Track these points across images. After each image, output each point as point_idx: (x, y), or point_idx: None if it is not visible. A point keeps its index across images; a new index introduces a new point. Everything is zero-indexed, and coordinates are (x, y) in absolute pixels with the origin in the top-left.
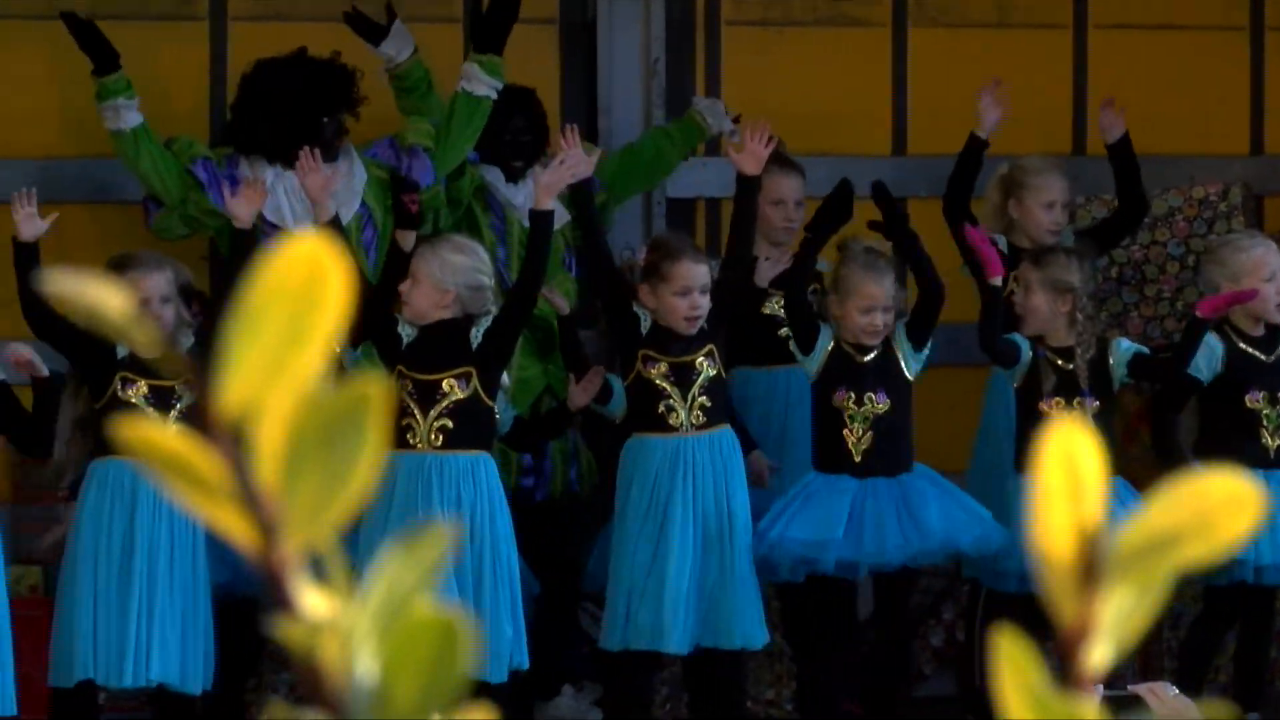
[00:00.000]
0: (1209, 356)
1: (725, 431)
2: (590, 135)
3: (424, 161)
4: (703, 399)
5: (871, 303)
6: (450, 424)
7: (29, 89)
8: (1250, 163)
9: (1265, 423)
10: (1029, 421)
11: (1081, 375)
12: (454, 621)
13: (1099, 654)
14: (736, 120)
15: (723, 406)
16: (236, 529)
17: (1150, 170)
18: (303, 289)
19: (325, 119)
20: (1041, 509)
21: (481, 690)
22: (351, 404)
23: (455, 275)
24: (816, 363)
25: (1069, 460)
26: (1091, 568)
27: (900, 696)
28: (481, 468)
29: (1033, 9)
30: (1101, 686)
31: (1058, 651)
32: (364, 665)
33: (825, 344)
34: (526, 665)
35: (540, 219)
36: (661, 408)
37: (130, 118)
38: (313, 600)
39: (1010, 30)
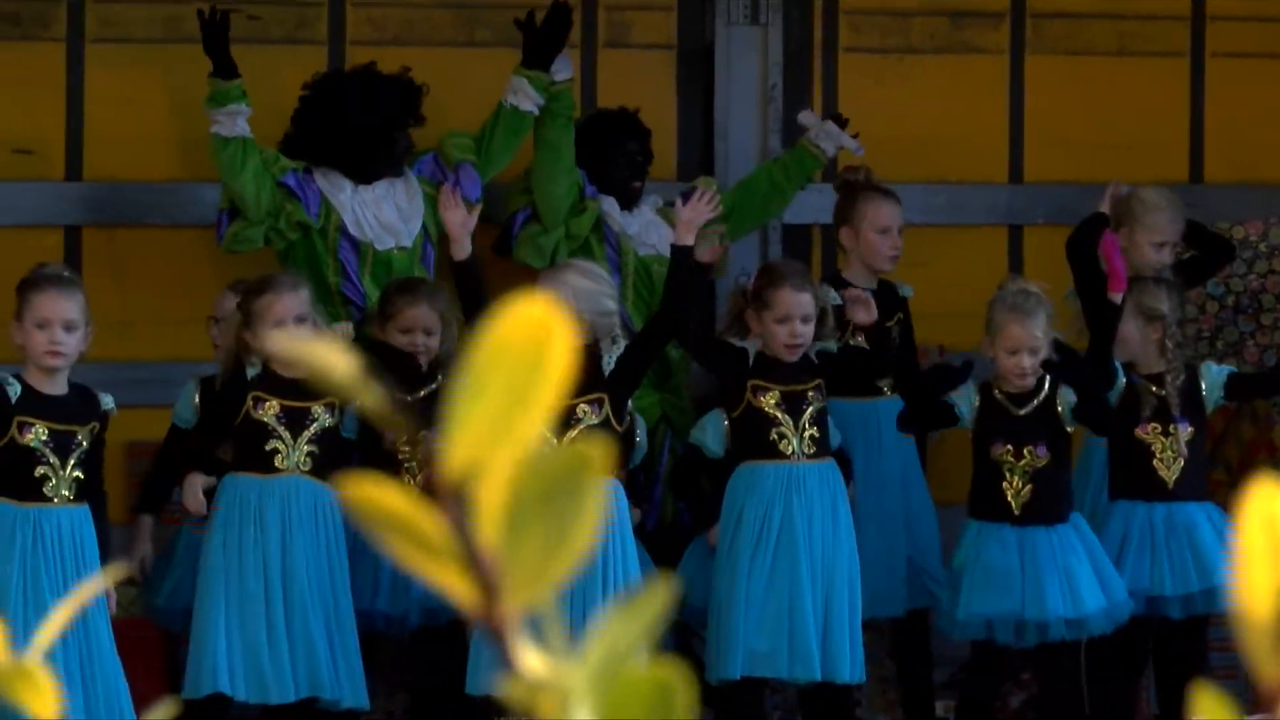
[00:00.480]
0: None
1: (832, 463)
2: (706, 161)
3: (471, 175)
4: (813, 430)
5: (1018, 345)
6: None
7: (144, 110)
8: None
9: None
10: (1125, 447)
11: (1173, 401)
12: (671, 680)
13: None
14: (856, 136)
15: (828, 439)
16: (458, 588)
17: (1266, 199)
18: (526, 351)
19: (398, 134)
20: (1241, 569)
21: None
22: (572, 465)
23: (586, 302)
24: (967, 420)
25: (1270, 521)
26: None
27: None
28: (614, 492)
29: (1151, 37)
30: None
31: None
32: None
33: (971, 399)
34: None
35: (681, 253)
36: (773, 435)
37: (241, 126)
38: (532, 659)
39: (1128, 58)
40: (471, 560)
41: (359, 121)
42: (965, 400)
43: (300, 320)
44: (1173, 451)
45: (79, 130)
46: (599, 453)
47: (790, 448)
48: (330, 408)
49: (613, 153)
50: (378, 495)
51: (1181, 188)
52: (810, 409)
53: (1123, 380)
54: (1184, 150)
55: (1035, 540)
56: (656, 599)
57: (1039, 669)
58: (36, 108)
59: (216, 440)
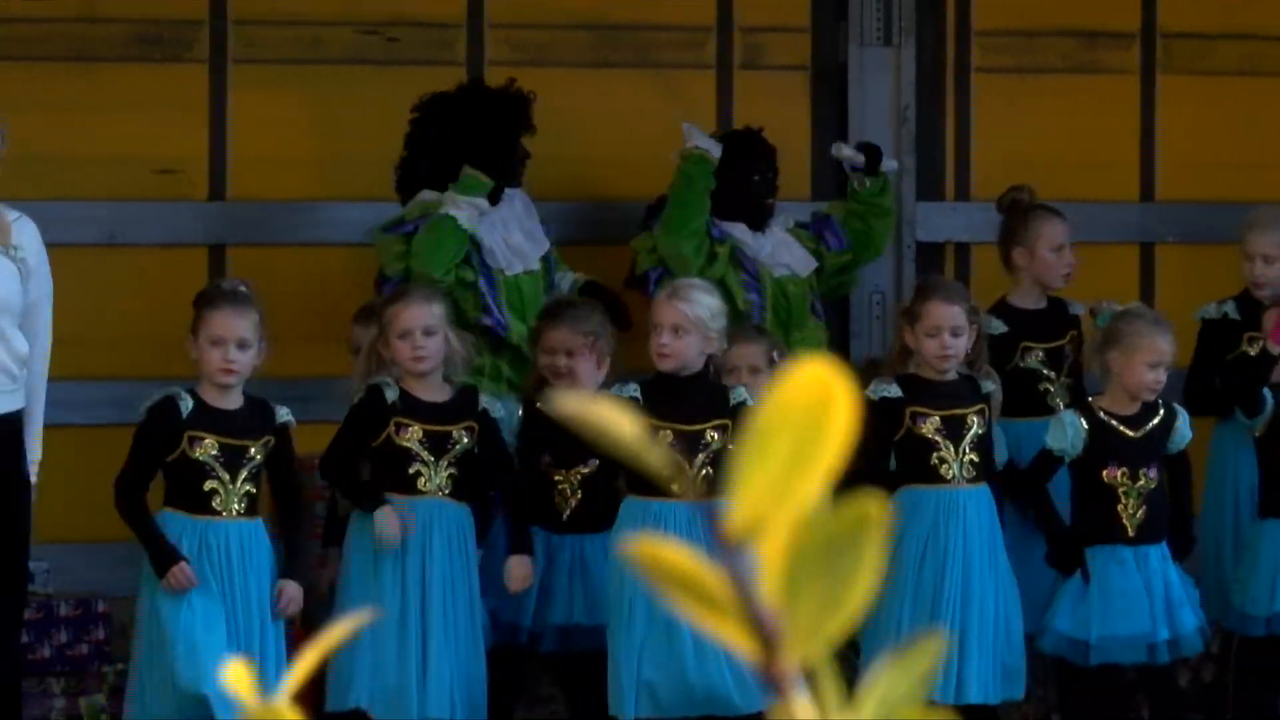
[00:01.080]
0: None
1: (987, 489)
2: (840, 181)
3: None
4: (972, 455)
5: (1158, 358)
6: (711, 472)
7: (286, 131)
8: None
9: None
10: (1276, 469)
11: None
12: None
13: None
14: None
15: (987, 464)
16: (739, 641)
17: None
18: (810, 414)
19: (512, 144)
20: None
21: None
22: (852, 523)
23: (719, 320)
24: (1079, 446)
25: None
26: None
27: None
28: None
29: (1278, 57)
30: None
31: None
32: None
33: (1076, 424)
34: None
35: None
36: (934, 459)
37: (473, 221)
38: (809, 711)
39: (1258, 78)
40: (753, 615)
41: (476, 137)
42: (1072, 428)
43: (428, 333)
44: None
45: (222, 150)
46: (879, 511)
47: (950, 472)
48: (469, 430)
49: (743, 174)
50: (663, 553)
51: None
52: (970, 433)
53: (1270, 404)
54: None
55: (1149, 560)
56: (929, 649)
57: (1153, 688)
58: (180, 129)
59: (359, 462)
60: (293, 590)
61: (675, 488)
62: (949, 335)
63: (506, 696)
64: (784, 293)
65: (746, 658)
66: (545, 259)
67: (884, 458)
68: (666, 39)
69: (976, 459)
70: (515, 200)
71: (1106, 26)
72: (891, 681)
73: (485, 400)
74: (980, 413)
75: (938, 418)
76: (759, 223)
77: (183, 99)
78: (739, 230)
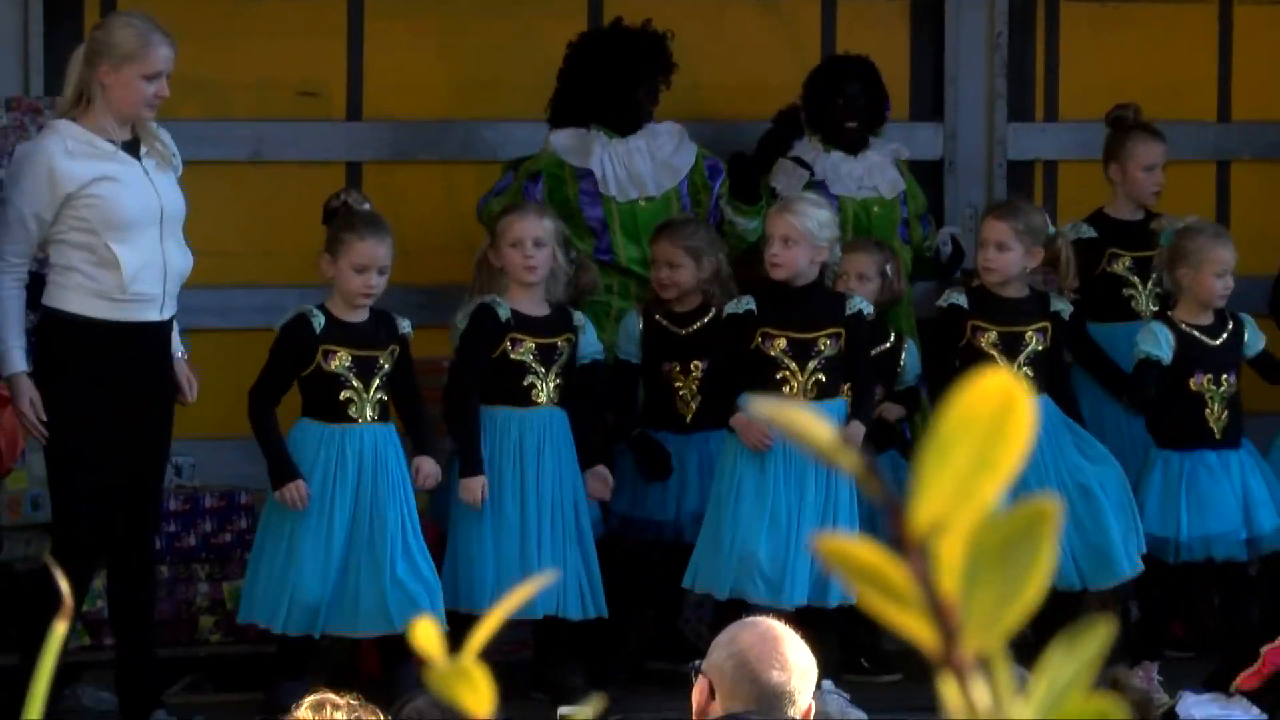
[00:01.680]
0: None
1: (1046, 398)
2: (937, 105)
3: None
4: (1027, 369)
5: (1224, 267)
6: (823, 378)
7: (419, 57)
8: None
9: None
10: None
11: None
12: (1113, 711)
13: None
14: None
15: (1048, 377)
16: (920, 633)
17: None
18: (993, 420)
19: (639, 86)
20: None
21: None
22: (1028, 523)
23: (827, 230)
24: (1169, 355)
25: None
26: None
27: None
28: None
29: None
30: None
31: None
32: None
33: (1165, 334)
34: None
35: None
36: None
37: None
38: (986, 697)
39: None
40: (933, 609)
41: (601, 76)
42: (1164, 336)
43: (539, 244)
44: None
45: (359, 74)
46: (1053, 511)
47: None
48: (569, 342)
49: (831, 95)
50: (854, 550)
51: None
52: (1028, 348)
53: None
54: None
55: (1231, 463)
56: (1097, 637)
57: (1224, 579)
58: (319, 54)
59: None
60: (429, 466)
61: (873, 493)
62: (993, 249)
63: (643, 591)
64: (867, 213)
65: (927, 648)
66: (680, 187)
67: (949, 362)
68: None
69: (1031, 373)
70: (660, 133)
71: None
72: (1060, 665)
73: (576, 318)
74: (1042, 330)
75: (995, 332)
76: (852, 146)
77: (322, 26)
78: (829, 158)
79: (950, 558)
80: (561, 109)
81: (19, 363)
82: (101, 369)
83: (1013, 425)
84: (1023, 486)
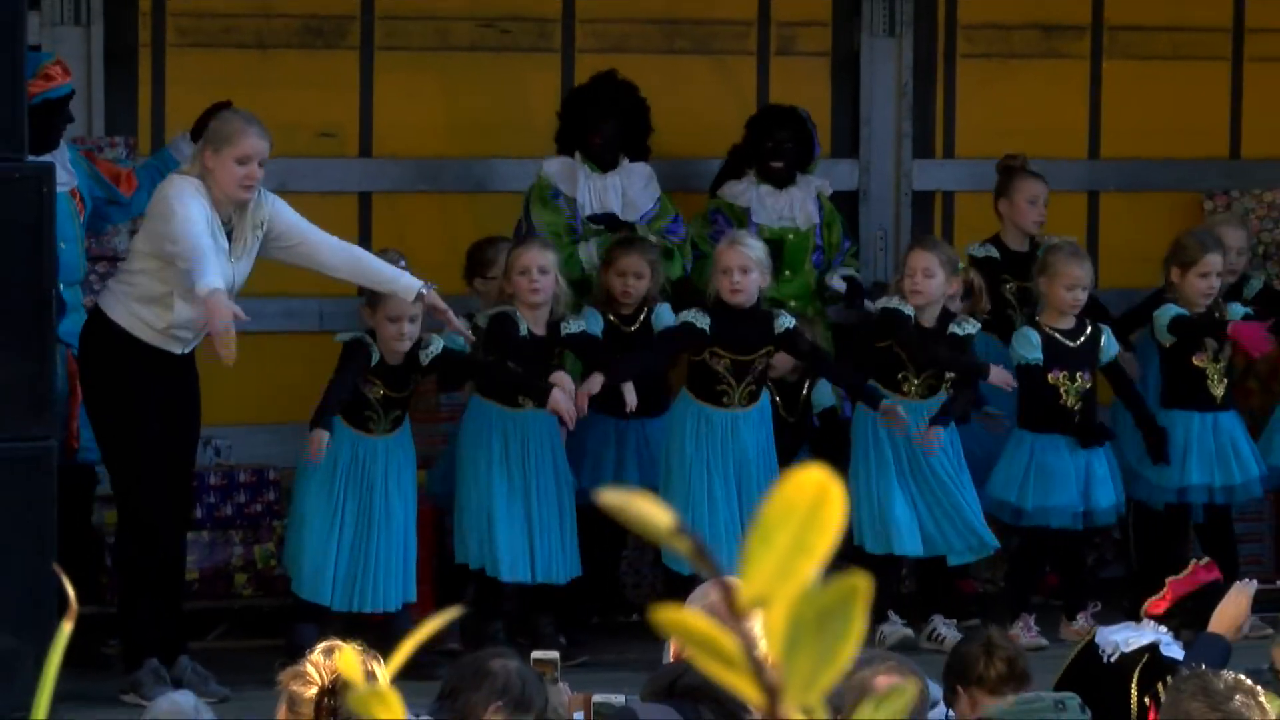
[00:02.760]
0: None
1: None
2: (854, 143)
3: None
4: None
5: (1074, 281)
6: (754, 388)
7: (421, 103)
8: None
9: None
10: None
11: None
12: None
13: None
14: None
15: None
16: (748, 691)
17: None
18: (810, 510)
19: (602, 126)
20: None
21: None
22: (842, 597)
23: (767, 260)
24: (1040, 356)
25: None
26: None
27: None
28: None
29: (1201, 45)
30: (1255, 581)
31: None
32: None
33: (1034, 339)
34: None
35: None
36: (899, 375)
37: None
38: None
39: (1185, 62)
40: (758, 671)
41: (579, 117)
42: (1034, 341)
43: (543, 271)
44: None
45: (369, 118)
46: (865, 586)
47: (909, 388)
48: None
49: (761, 139)
50: (689, 621)
51: (1223, 161)
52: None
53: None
54: (1225, 132)
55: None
56: (904, 694)
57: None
58: (336, 101)
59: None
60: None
61: (701, 570)
62: (921, 276)
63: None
64: (781, 240)
65: (753, 704)
66: (643, 220)
67: (865, 358)
68: (719, 31)
69: (932, 378)
70: (633, 173)
71: (1063, 21)
72: (867, 715)
73: (574, 326)
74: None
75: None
76: (779, 182)
77: (338, 78)
78: (758, 191)
79: (774, 627)
80: (560, 141)
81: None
82: (136, 371)
83: (826, 514)
84: (917, 472)
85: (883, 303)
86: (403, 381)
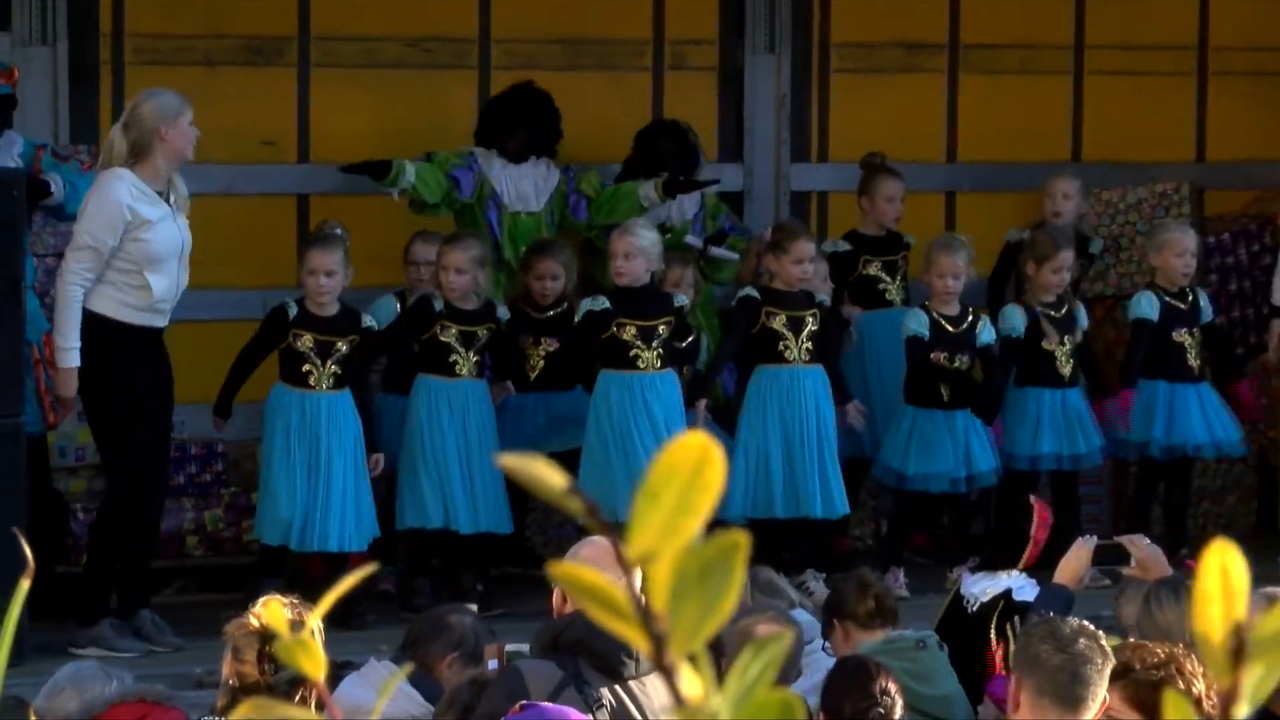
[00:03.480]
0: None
1: (820, 368)
2: (738, 150)
3: (583, 204)
4: (808, 344)
5: (945, 270)
6: (661, 353)
7: (352, 114)
8: (1195, 167)
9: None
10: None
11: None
12: (790, 700)
13: (1242, 710)
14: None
15: (821, 350)
16: (637, 640)
17: (1131, 172)
18: (692, 472)
19: (518, 130)
20: (1201, 608)
21: None
22: (723, 552)
23: (657, 247)
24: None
25: (1223, 571)
26: (1239, 650)
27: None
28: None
29: (1043, 60)
30: (1095, 537)
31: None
32: None
33: (923, 320)
34: None
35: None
36: (780, 346)
37: (407, 179)
38: (692, 690)
39: (1032, 76)
40: (647, 621)
41: (495, 120)
42: (923, 321)
43: (460, 271)
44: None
45: (306, 128)
46: (743, 542)
47: (792, 355)
48: (490, 330)
49: (649, 148)
50: (583, 576)
51: (1066, 164)
52: (807, 329)
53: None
54: (1067, 138)
55: (956, 419)
56: (779, 643)
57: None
58: (276, 112)
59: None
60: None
61: (590, 523)
62: (808, 264)
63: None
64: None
65: (643, 652)
66: (549, 202)
67: (744, 340)
68: (618, 49)
69: (811, 346)
70: (540, 165)
71: (923, 40)
72: (748, 666)
73: (500, 311)
74: (814, 315)
75: (784, 315)
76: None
77: (278, 92)
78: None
79: (660, 581)
80: (479, 140)
81: (74, 360)
82: (127, 359)
83: (707, 476)
84: (799, 432)
85: (744, 291)
86: (330, 331)
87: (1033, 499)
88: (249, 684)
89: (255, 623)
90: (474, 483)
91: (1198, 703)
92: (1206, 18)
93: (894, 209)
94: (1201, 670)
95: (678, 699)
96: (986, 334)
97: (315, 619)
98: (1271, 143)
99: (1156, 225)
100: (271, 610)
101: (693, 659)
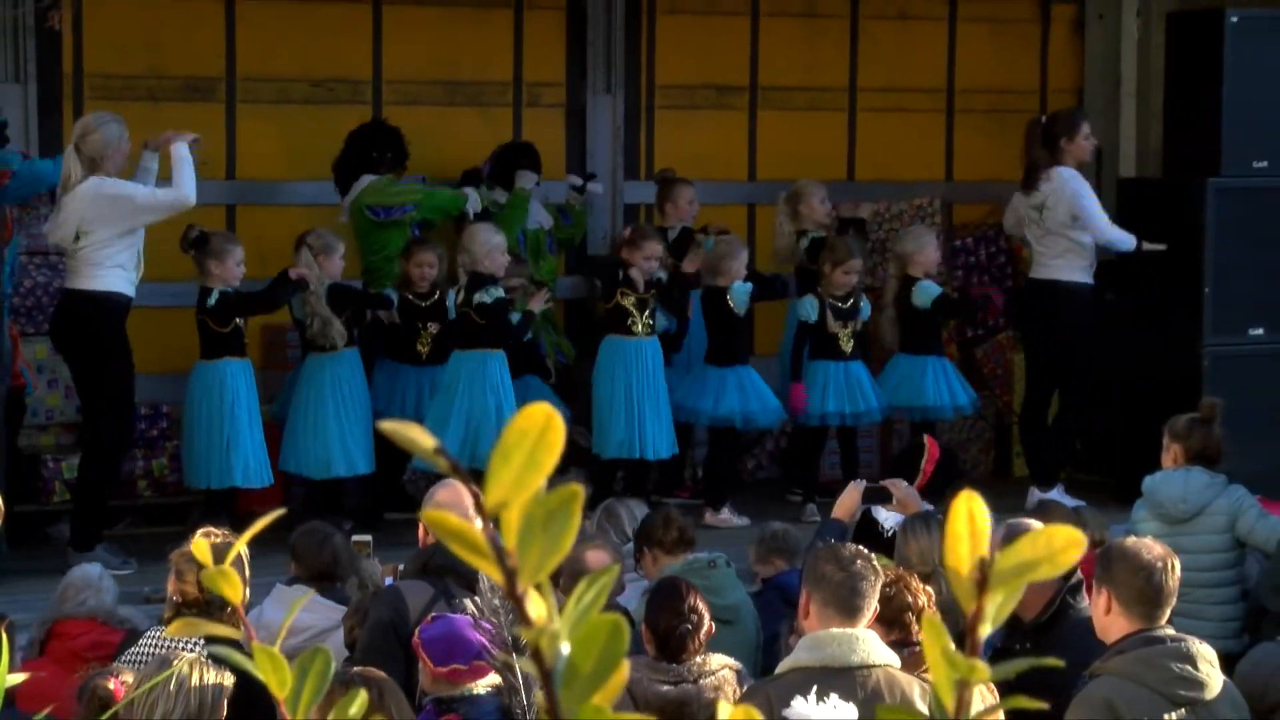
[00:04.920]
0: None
1: (656, 340)
2: (581, 170)
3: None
4: (649, 320)
5: (742, 266)
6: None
7: (269, 140)
8: (945, 185)
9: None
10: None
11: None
12: (619, 622)
13: (985, 629)
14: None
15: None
16: (492, 573)
17: (898, 189)
18: (539, 434)
19: (376, 154)
20: (951, 546)
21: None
22: (563, 501)
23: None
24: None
25: (970, 515)
26: (983, 582)
27: None
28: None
29: (826, 100)
30: (864, 481)
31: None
32: (564, 651)
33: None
34: None
35: None
36: (628, 322)
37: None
38: (537, 614)
39: (820, 112)
40: (500, 558)
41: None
42: (744, 292)
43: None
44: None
45: (233, 152)
46: (579, 493)
47: (637, 328)
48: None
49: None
50: (448, 520)
51: (841, 183)
52: (649, 307)
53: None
54: (844, 162)
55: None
56: (608, 574)
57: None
58: (209, 139)
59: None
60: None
61: (455, 477)
62: (654, 261)
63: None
64: (536, 237)
65: (498, 584)
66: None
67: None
68: (486, 89)
69: (651, 322)
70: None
71: (730, 83)
72: (584, 594)
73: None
74: (655, 296)
75: (634, 297)
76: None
77: (210, 123)
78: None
79: (511, 525)
80: (342, 173)
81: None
82: (118, 326)
83: (550, 438)
84: (637, 390)
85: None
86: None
87: (926, 438)
88: (190, 600)
89: (191, 548)
90: (346, 436)
91: (918, 614)
92: (954, 67)
93: (693, 210)
94: (922, 587)
95: (526, 621)
96: (739, 296)
97: (240, 547)
98: (1006, 166)
99: (904, 232)
100: (198, 545)
101: (538, 587)
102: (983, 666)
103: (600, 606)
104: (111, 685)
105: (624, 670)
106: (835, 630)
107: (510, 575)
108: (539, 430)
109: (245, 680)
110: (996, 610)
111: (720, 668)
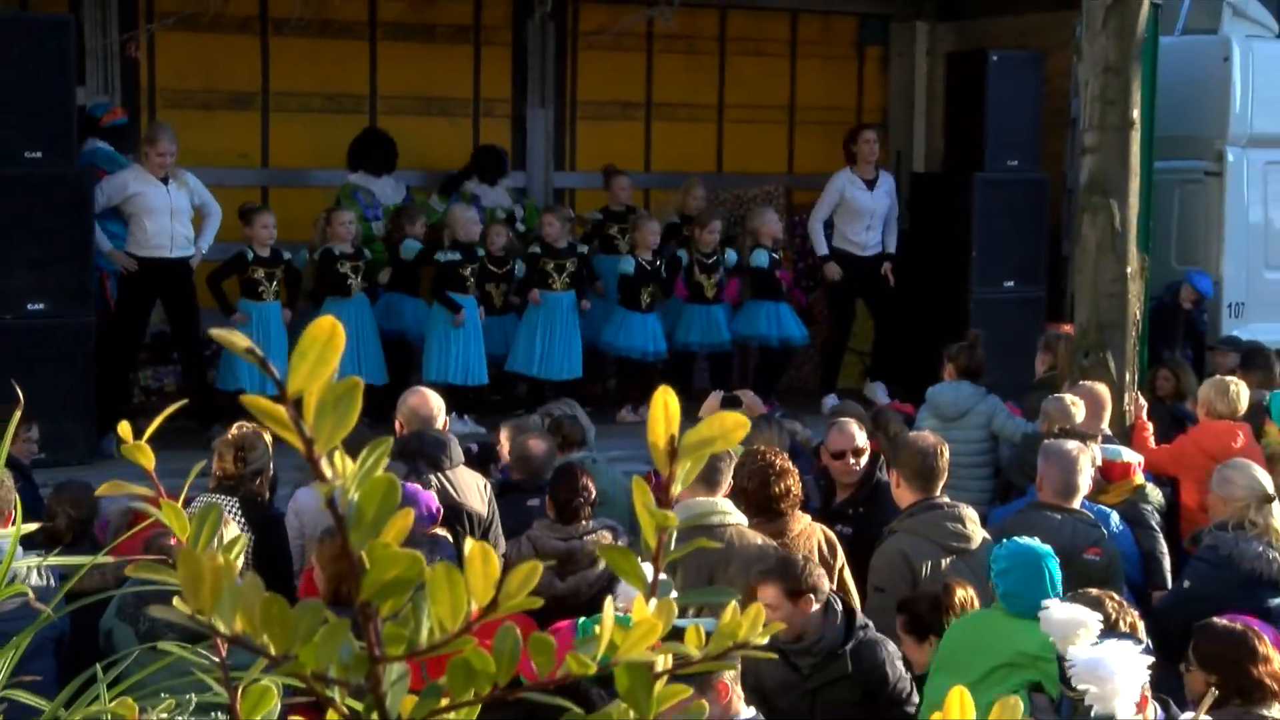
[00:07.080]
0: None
1: (574, 293)
2: (522, 164)
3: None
4: (566, 279)
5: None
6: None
7: (295, 140)
8: (787, 177)
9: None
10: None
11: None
12: (392, 480)
13: (677, 489)
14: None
15: (577, 282)
16: (295, 442)
17: (753, 179)
18: (328, 338)
19: (375, 154)
20: (653, 426)
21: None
22: (347, 389)
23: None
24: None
25: (665, 405)
26: (674, 452)
27: None
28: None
29: (702, 113)
30: (722, 392)
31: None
32: (350, 501)
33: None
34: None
35: None
36: (549, 280)
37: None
38: (329, 472)
39: (695, 123)
40: (300, 431)
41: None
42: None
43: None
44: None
45: (267, 148)
46: (357, 385)
47: (555, 285)
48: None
49: (485, 163)
50: (260, 402)
51: (711, 173)
52: (568, 267)
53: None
54: (714, 159)
55: (649, 320)
56: (384, 443)
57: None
58: (248, 137)
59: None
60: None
61: (263, 371)
62: (560, 225)
63: None
64: (491, 214)
65: (299, 449)
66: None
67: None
68: (453, 104)
69: (569, 280)
70: (400, 178)
71: (632, 99)
72: (367, 456)
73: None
74: (574, 261)
75: (553, 262)
76: (491, 182)
77: (249, 126)
78: (480, 186)
79: (309, 406)
80: (353, 162)
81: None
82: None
83: (335, 341)
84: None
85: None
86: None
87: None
88: (228, 474)
89: (230, 435)
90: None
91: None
92: (795, 90)
93: (627, 194)
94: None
95: (321, 478)
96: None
97: (267, 436)
98: (832, 162)
99: (755, 210)
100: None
101: (330, 454)
102: (673, 516)
103: (381, 469)
104: (171, 541)
105: (405, 518)
106: (701, 499)
107: (309, 444)
108: (327, 336)
109: (261, 538)
110: (685, 474)
111: (601, 528)
